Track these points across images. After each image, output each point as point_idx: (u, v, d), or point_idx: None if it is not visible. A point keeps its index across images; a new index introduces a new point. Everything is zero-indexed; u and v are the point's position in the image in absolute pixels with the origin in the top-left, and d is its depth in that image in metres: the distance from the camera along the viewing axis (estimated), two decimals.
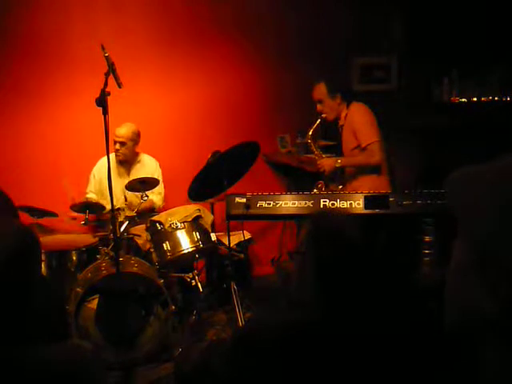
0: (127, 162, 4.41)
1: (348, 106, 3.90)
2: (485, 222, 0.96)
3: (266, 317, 1.56)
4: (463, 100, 5.35)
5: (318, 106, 3.92)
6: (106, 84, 2.91)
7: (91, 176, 4.44)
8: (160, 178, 4.34)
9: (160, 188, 4.32)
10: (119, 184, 4.18)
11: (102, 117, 2.87)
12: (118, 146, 4.24)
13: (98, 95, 2.87)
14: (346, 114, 3.90)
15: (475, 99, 5.34)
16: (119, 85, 3.01)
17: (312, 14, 5.09)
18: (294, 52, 5.08)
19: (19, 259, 1.36)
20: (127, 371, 3.11)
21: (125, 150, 4.30)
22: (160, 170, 4.50)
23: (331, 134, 4.54)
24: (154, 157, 4.54)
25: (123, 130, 4.26)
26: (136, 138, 4.34)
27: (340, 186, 3.92)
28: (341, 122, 3.96)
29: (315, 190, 3.87)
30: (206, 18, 4.88)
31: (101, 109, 2.87)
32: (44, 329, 1.47)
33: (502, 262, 0.91)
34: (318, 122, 3.93)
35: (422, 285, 3.31)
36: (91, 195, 4.38)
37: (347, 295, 1.44)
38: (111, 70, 2.95)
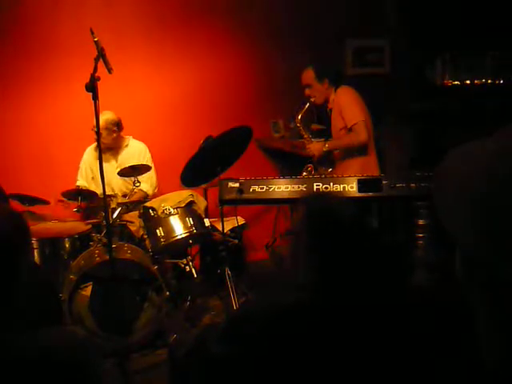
0: (112, 148, 4.36)
1: (336, 90, 3.93)
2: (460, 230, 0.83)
3: (260, 299, 1.55)
4: (456, 83, 5.34)
5: (307, 91, 3.99)
6: (95, 69, 2.88)
7: (81, 163, 4.41)
8: (149, 163, 4.29)
9: (150, 174, 4.24)
10: (107, 170, 4.12)
11: (93, 102, 2.84)
12: (95, 136, 4.15)
13: (87, 81, 2.84)
14: (334, 98, 3.93)
15: (468, 82, 5.32)
16: (109, 70, 2.96)
17: None
18: (286, 36, 5.05)
19: (7, 242, 1.34)
20: (122, 358, 3.10)
21: (101, 140, 4.24)
22: (149, 155, 4.45)
23: (323, 119, 4.53)
24: (145, 143, 4.50)
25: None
26: (111, 126, 4.22)
27: (330, 169, 3.96)
28: (329, 106, 4.02)
29: (304, 173, 3.89)
30: (196, 1, 4.83)
31: (91, 94, 2.84)
32: (35, 314, 1.45)
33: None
34: (306, 106, 3.98)
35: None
36: (81, 182, 4.35)
37: (341, 276, 1.43)
38: (101, 55, 2.91)
